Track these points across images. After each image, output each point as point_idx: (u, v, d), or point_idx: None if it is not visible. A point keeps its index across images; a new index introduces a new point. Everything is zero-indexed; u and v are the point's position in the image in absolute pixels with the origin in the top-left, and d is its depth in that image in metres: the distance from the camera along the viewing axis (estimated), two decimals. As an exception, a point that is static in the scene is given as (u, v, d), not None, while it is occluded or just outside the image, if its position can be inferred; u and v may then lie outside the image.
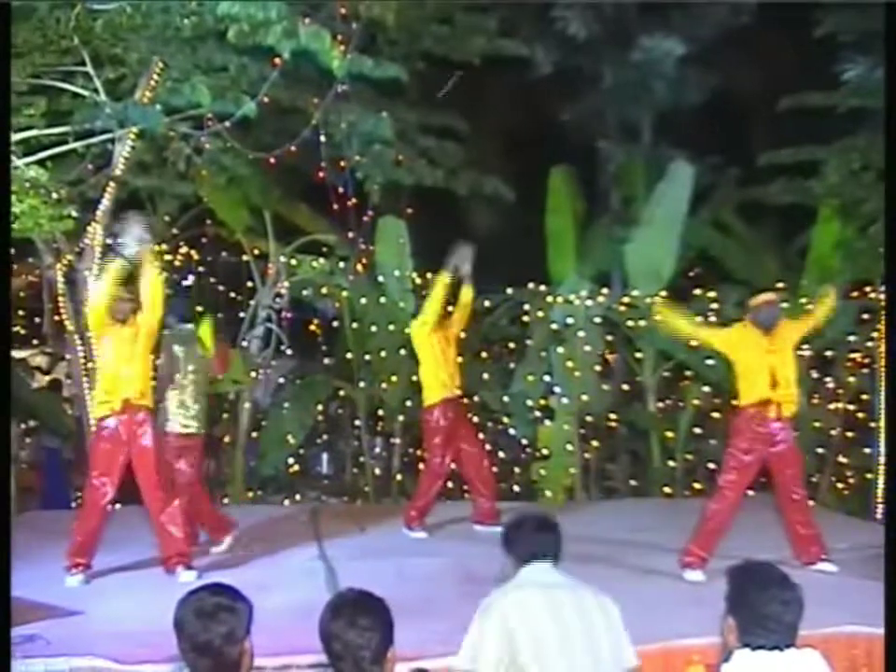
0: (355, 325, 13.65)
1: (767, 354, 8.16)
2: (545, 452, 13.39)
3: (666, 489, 13.70)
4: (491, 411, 13.99)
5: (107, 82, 10.46)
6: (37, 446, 14.61)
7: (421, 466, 14.52)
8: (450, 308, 10.22)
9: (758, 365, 8.18)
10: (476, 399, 13.60)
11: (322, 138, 11.88)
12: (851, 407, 13.67)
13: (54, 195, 10.21)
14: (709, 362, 13.25)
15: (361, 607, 3.48)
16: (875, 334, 13.16)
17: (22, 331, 14.36)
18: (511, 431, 13.77)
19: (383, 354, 13.39)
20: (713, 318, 13.53)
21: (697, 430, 13.88)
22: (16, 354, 13.84)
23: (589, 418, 13.63)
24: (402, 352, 13.40)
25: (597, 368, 13.41)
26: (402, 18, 12.08)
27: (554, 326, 13.36)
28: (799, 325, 8.63)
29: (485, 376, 13.58)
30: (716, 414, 14.04)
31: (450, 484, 13.00)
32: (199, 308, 14.48)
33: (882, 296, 12.64)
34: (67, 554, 7.95)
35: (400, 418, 13.83)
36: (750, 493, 12.97)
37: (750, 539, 8.33)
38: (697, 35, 15.86)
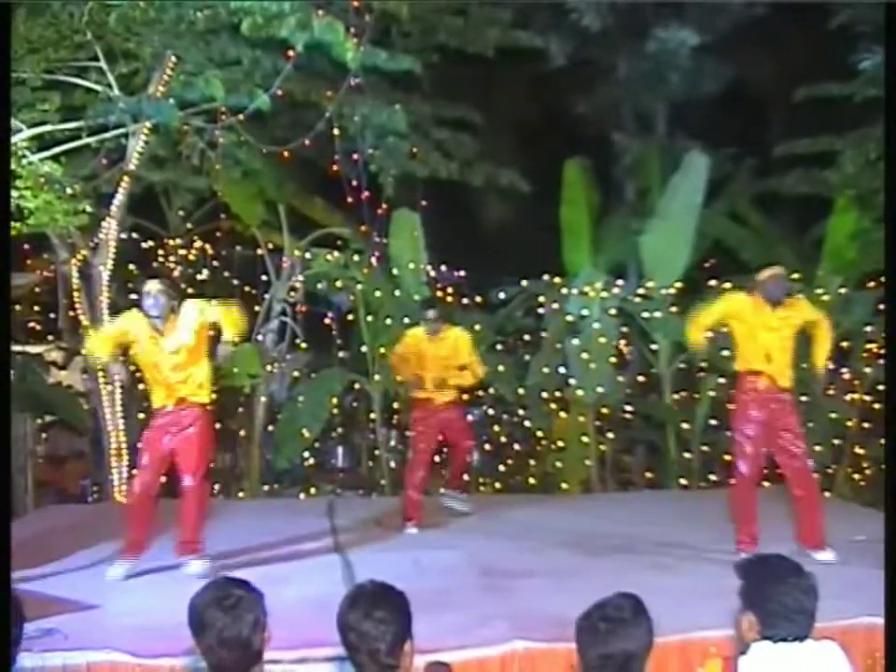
0: (369, 318, 13.64)
1: (766, 328, 8.31)
2: (561, 444, 13.39)
3: (683, 481, 13.67)
4: (506, 403, 13.98)
5: (121, 77, 10.49)
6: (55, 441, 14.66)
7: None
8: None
9: (753, 336, 8.35)
10: (491, 391, 13.60)
11: (336, 131, 11.88)
12: (868, 398, 13.61)
13: (69, 190, 10.24)
14: (725, 353, 13.21)
15: (378, 599, 3.48)
16: (891, 324, 13.12)
17: (38, 327, 14.39)
18: (527, 423, 13.75)
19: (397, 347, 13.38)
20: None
21: (713, 422, 13.82)
22: (31, 349, 13.87)
23: (604, 410, 13.60)
24: (417, 344, 13.39)
25: (613, 359, 13.36)
26: (416, 10, 12.09)
27: (570, 318, 13.33)
28: (808, 313, 8.72)
29: (500, 368, 13.54)
30: (732, 406, 14.01)
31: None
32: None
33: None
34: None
35: (415, 411, 13.82)
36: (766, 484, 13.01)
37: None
38: (712, 25, 15.80)
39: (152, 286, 7.87)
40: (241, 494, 13.90)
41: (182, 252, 14.76)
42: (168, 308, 7.85)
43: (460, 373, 10.21)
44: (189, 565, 7.78)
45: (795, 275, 13.35)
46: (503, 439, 14.19)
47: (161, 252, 14.64)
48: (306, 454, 14.02)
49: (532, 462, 14.11)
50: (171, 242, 14.74)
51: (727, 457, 13.45)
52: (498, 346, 14.30)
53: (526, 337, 14.35)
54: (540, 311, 13.91)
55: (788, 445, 8.32)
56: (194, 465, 7.87)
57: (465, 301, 14.25)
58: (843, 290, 13.57)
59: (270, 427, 14.02)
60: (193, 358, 7.94)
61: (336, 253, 13.74)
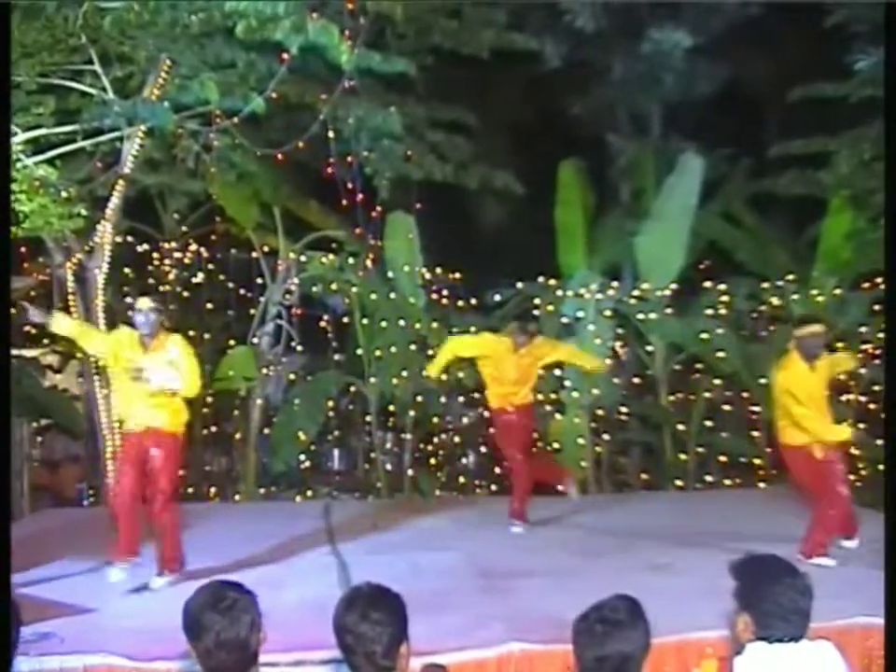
0: (365, 320, 13.63)
1: (808, 396, 8.21)
2: (556, 445, 13.38)
3: (678, 482, 13.68)
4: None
5: (116, 80, 10.47)
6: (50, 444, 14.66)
7: (432, 461, 14.60)
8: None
9: (799, 406, 8.21)
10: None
11: (331, 134, 11.88)
12: (863, 398, 13.62)
13: (64, 194, 10.22)
14: (720, 354, 13.24)
15: (374, 601, 3.49)
16: (886, 325, 13.11)
17: (33, 330, 14.36)
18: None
19: (393, 349, 13.37)
20: (723, 311, 13.53)
21: (709, 423, 13.85)
22: (27, 353, 13.85)
23: (600, 412, 13.62)
24: (413, 347, 13.40)
25: (608, 361, 13.38)
26: (410, 12, 12.07)
27: (565, 319, 13.35)
28: (837, 364, 8.80)
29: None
30: (727, 407, 14.02)
31: (462, 479, 13.02)
32: (209, 305, 14.58)
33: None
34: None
35: (411, 413, 13.81)
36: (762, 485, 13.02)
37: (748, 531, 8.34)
38: (706, 26, 15.80)
39: (143, 303, 7.86)
40: (237, 497, 13.88)
41: (177, 255, 14.72)
42: (157, 325, 7.83)
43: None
44: (154, 579, 7.72)
45: (790, 276, 13.42)
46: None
47: (156, 255, 14.60)
48: (302, 456, 14.01)
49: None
50: (166, 245, 14.71)
51: (722, 458, 13.56)
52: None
53: (522, 339, 14.34)
54: (536, 313, 13.91)
55: (836, 487, 8.30)
56: (164, 490, 7.85)
57: (460, 303, 14.25)
58: (838, 291, 13.58)
59: (266, 430, 14.01)
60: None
61: (331, 256, 13.73)
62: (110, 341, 8.12)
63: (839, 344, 13.54)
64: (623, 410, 14.16)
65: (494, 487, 13.96)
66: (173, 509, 7.98)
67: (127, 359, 7.84)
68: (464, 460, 13.88)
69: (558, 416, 13.48)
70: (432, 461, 14.75)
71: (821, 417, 8.25)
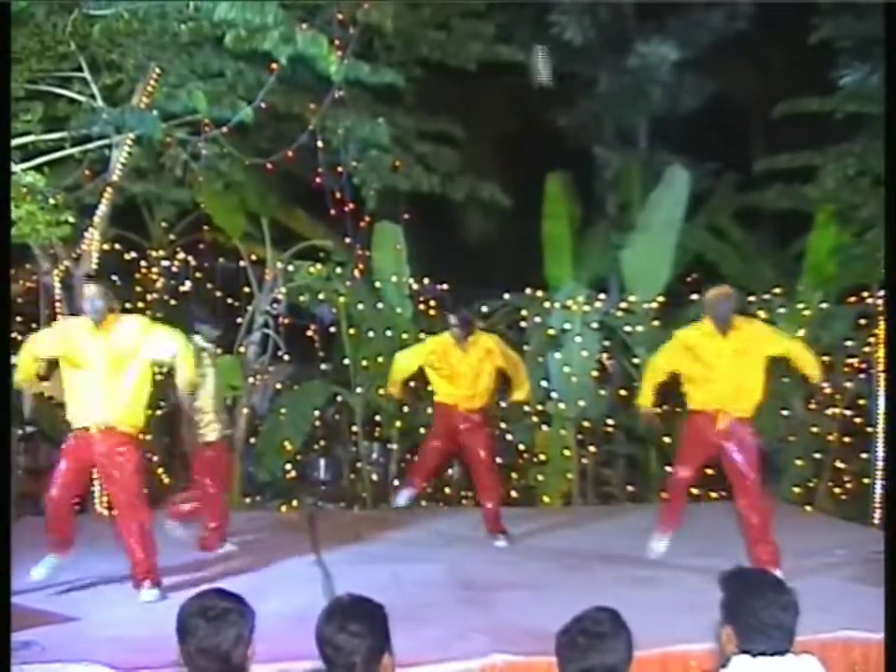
0: (352, 330, 13.63)
1: (721, 361, 8.12)
2: (542, 457, 13.39)
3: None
4: (488, 416, 13.97)
5: (104, 88, 10.46)
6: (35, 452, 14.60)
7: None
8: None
9: (707, 373, 8.17)
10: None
11: (319, 144, 11.87)
12: (849, 412, 13.66)
13: (51, 201, 10.20)
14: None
15: (353, 612, 3.48)
16: (871, 339, 13.16)
17: (20, 337, 14.31)
18: (509, 437, 13.74)
19: (380, 359, 13.35)
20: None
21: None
22: (13, 360, 13.80)
23: (586, 424, 13.61)
24: (399, 357, 13.39)
25: (594, 373, 13.40)
26: (399, 23, 12.07)
27: (552, 331, 13.36)
28: (770, 343, 8.38)
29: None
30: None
31: (447, 490, 12.98)
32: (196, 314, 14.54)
33: (879, 301, 12.66)
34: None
35: (398, 424, 13.81)
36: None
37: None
38: (694, 40, 15.84)
39: (89, 289, 7.67)
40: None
41: (164, 264, 14.71)
42: (105, 311, 7.62)
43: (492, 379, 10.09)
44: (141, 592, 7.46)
45: (776, 290, 13.46)
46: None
47: (143, 263, 14.60)
48: (288, 466, 13.97)
49: (514, 475, 14.10)
50: (153, 253, 14.70)
51: (708, 471, 13.57)
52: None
53: (508, 350, 14.35)
54: (523, 324, 13.92)
55: (742, 471, 8.15)
56: (126, 498, 7.67)
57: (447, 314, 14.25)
58: (823, 305, 13.60)
59: (251, 439, 13.98)
60: (124, 376, 7.71)
61: (318, 265, 13.71)
62: (54, 333, 8.12)
63: (825, 358, 13.64)
64: (609, 422, 14.17)
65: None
66: (143, 516, 7.70)
67: (79, 346, 7.71)
68: (449, 471, 13.85)
69: (544, 428, 13.48)
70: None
71: (723, 386, 8.09)
